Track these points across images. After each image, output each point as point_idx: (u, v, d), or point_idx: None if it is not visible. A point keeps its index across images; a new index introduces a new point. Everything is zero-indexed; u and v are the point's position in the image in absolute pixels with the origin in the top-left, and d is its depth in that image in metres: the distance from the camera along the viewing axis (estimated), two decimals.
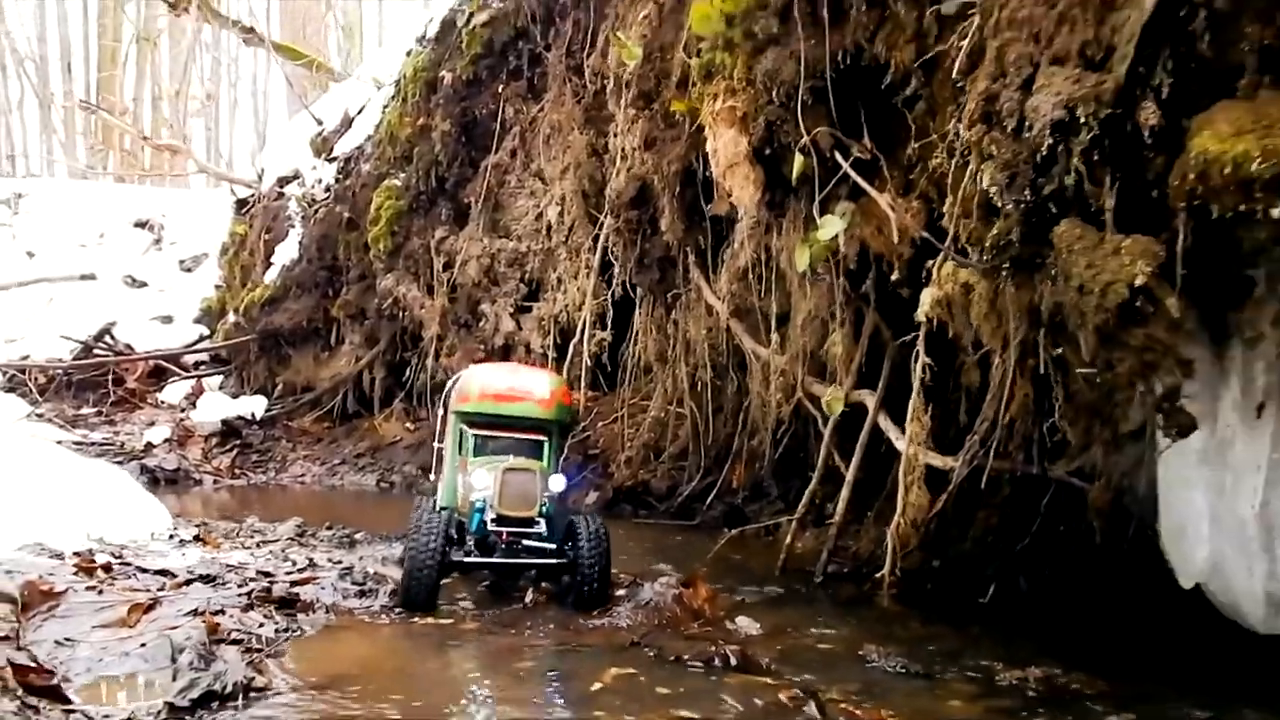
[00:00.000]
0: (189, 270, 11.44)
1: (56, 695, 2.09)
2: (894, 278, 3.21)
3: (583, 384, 6.30)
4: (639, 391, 6.00)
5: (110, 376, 9.10)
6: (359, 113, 8.57)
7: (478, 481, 3.54)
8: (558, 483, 3.61)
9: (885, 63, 3.13)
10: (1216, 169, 2.04)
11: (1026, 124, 2.34)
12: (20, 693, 2.01)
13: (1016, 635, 2.88)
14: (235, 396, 8.55)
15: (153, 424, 8.51)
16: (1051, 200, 2.42)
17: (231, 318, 9.05)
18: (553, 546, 3.45)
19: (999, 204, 2.54)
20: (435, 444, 4.40)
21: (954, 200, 2.88)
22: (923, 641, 2.87)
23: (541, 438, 3.89)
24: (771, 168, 3.47)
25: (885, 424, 3.77)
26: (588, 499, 5.85)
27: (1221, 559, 2.47)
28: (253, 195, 9.53)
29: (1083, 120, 2.25)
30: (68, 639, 2.48)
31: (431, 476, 4.38)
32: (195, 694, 2.13)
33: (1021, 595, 3.41)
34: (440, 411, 4.31)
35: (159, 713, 2.04)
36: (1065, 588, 3.30)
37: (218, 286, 9.79)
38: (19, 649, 2.32)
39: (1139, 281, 2.23)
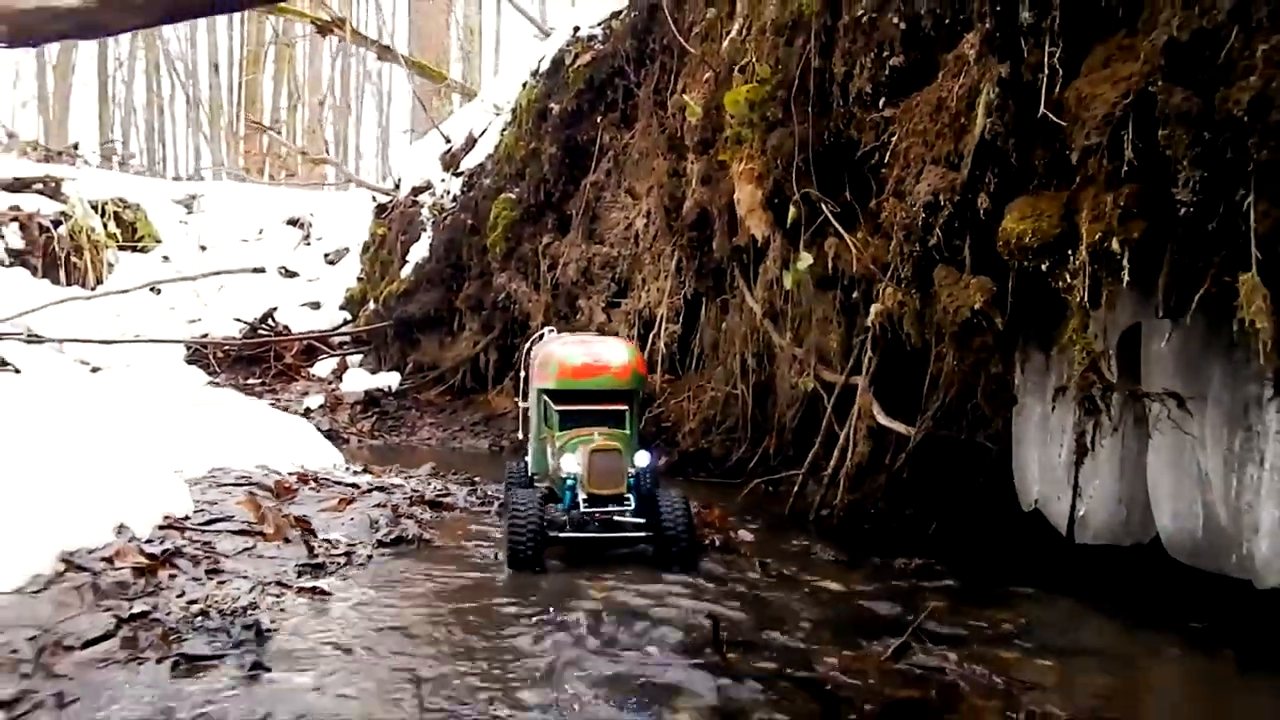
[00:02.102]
0: (333, 263, 13.39)
1: (314, 532, 3.68)
2: (854, 295, 4.55)
3: (659, 369, 7.75)
4: (703, 375, 7.41)
5: (272, 353, 11.06)
6: (481, 134, 10.21)
7: (567, 464, 3.81)
8: (642, 458, 3.88)
9: (858, 140, 4.46)
10: (1013, 239, 3.33)
11: (903, 207, 3.66)
12: (298, 529, 3.61)
13: (928, 547, 4.17)
14: (374, 373, 10.35)
15: (306, 393, 10.40)
16: (933, 250, 3.73)
17: (371, 306, 10.87)
18: (642, 520, 3.72)
19: (904, 251, 3.86)
20: (520, 404, 4.88)
21: (896, 242, 4.20)
22: (861, 549, 4.20)
23: (622, 407, 4.14)
24: (779, 212, 4.83)
25: (874, 406, 5.08)
26: (659, 462, 7.28)
27: (1046, 491, 3.74)
28: (390, 201, 11.32)
29: (942, 203, 3.56)
30: (305, 515, 4.09)
31: (520, 435, 4.90)
32: (391, 538, 3.70)
33: (959, 527, 4.69)
34: (523, 373, 4.80)
35: (373, 544, 3.61)
36: (982, 519, 4.56)
37: (359, 279, 11.64)
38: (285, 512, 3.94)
39: (976, 306, 3.53)
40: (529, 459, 4.45)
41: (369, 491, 4.70)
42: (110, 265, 12.59)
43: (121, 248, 12.82)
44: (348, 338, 11.34)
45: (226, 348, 11.07)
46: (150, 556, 2.83)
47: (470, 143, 10.41)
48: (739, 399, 6.95)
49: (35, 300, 10.92)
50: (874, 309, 4.31)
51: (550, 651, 2.56)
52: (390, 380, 9.86)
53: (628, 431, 4.05)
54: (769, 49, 4.81)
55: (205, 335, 11.40)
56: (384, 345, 10.64)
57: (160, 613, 2.48)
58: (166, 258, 13.22)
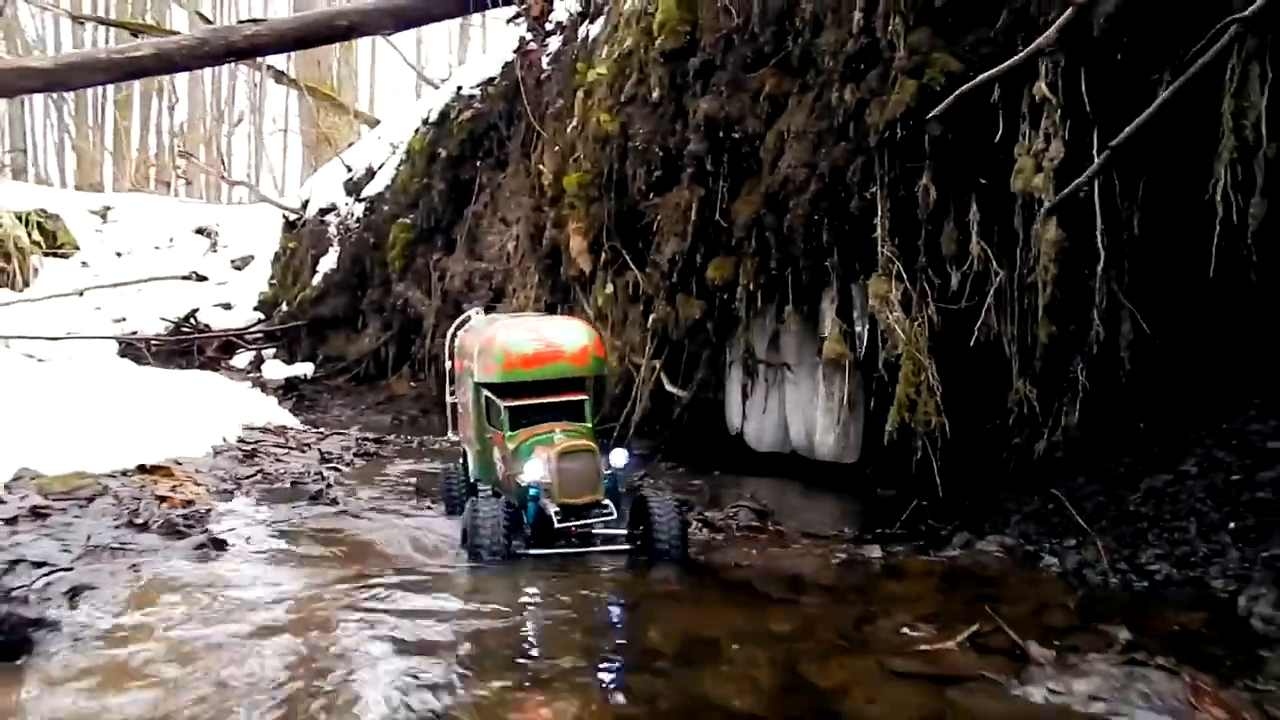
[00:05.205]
0: (239, 269, 15.63)
1: (315, 449, 6.40)
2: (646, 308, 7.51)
3: None
4: None
5: (196, 347, 13.35)
6: (380, 167, 12.79)
7: (530, 472, 3.52)
8: (619, 458, 3.73)
9: (642, 214, 7.39)
10: (711, 281, 6.32)
11: (661, 258, 6.63)
12: (308, 447, 6.33)
13: (685, 460, 7.14)
14: (289, 363, 12.79)
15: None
16: (676, 284, 6.69)
17: (285, 307, 13.29)
18: (624, 532, 3.58)
19: (663, 284, 6.82)
20: (448, 399, 4.80)
21: (659, 278, 7.15)
22: (648, 464, 7.16)
23: (581, 397, 3.89)
24: (597, 255, 7.75)
25: (662, 377, 8.06)
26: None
27: (739, 423, 6.75)
28: (299, 219, 13.75)
29: (678, 259, 6.53)
30: (304, 442, 6.77)
31: (450, 435, 4.96)
32: (361, 453, 6.46)
33: (706, 448, 7.68)
34: (447, 363, 4.87)
35: (351, 455, 6.36)
36: (716, 443, 7.56)
37: (271, 284, 14.01)
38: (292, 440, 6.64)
39: (696, 316, 6.52)
40: (469, 463, 4.31)
41: (330, 436, 7.40)
42: (35, 270, 14.50)
43: (46, 254, 14.73)
44: (262, 334, 13.72)
45: (153, 344, 13.29)
46: (246, 451, 5.51)
47: (370, 174, 12.97)
48: None
49: None
50: (652, 317, 7.27)
51: None
52: (306, 369, 12.36)
53: (589, 424, 3.84)
54: (591, 149, 7.72)
55: (134, 332, 13.58)
56: (297, 340, 13.09)
57: (268, 472, 5.17)
58: (85, 263, 15.17)
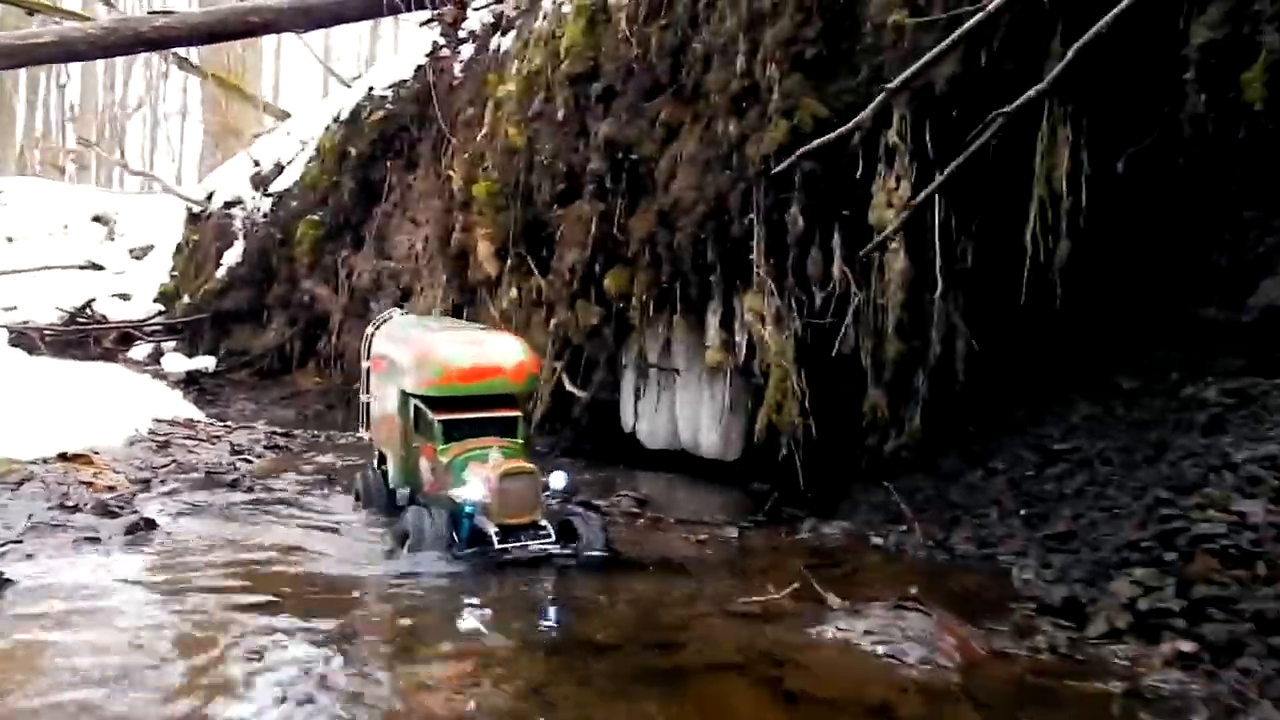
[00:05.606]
0: (138, 258, 15.57)
1: (225, 441, 6.76)
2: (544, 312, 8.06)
3: None
4: None
5: (92, 338, 13.34)
6: (289, 163, 13.02)
7: (468, 492, 3.65)
8: (559, 480, 3.87)
9: (547, 223, 7.93)
10: (609, 290, 6.90)
11: (563, 266, 7.18)
12: (218, 439, 6.69)
13: (585, 456, 7.70)
14: (190, 356, 12.90)
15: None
16: (577, 291, 7.25)
17: (186, 299, 13.38)
18: (559, 551, 3.72)
19: (564, 290, 7.37)
20: (362, 398, 4.91)
21: (560, 284, 7.70)
22: (551, 459, 7.70)
23: (515, 413, 4.02)
24: (503, 261, 8.26)
25: (563, 378, 8.61)
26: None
27: (634, 419, 7.35)
28: (203, 210, 13.84)
29: (578, 268, 7.09)
30: (214, 435, 7.11)
31: (361, 432, 5.13)
32: (270, 445, 6.84)
33: (605, 444, 8.26)
34: (364, 363, 4.92)
35: (260, 448, 6.75)
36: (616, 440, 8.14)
37: (173, 275, 14.06)
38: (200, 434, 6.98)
39: (594, 322, 7.09)
40: (390, 469, 4.36)
41: (236, 430, 7.74)
42: None
43: None
44: (162, 326, 13.77)
45: (47, 333, 13.24)
46: (159, 442, 5.85)
47: (279, 169, 13.17)
48: None
49: None
50: (554, 321, 7.82)
51: None
52: (208, 363, 12.50)
53: (520, 440, 3.94)
54: (500, 159, 8.23)
55: (27, 321, 13.48)
56: (199, 334, 13.20)
57: (181, 462, 5.54)
58: None
